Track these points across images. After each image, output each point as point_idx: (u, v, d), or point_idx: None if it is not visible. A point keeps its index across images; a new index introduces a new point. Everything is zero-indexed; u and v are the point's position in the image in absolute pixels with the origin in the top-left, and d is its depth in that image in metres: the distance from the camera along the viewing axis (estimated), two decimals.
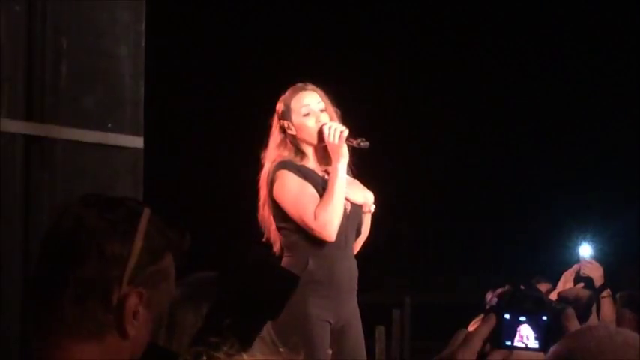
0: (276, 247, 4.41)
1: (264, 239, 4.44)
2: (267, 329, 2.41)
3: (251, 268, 2.31)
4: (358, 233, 4.56)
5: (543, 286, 5.01)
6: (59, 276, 1.74)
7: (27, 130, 3.71)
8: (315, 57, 8.22)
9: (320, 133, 4.40)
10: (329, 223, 4.29)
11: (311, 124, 4.41)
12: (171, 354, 2.00)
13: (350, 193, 4.46)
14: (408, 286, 9.99)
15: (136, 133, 3.99)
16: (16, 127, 3.68)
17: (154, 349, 1.86)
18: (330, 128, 4.34)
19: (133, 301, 1.75)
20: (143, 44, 4.05)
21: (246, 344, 2.16)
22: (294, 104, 4.44)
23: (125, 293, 1.74)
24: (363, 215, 4.56)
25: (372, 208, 4.58)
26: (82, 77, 3.89)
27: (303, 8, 9.30)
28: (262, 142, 4.50)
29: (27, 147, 3.72)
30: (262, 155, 4.48)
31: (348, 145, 4.34)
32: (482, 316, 1.90)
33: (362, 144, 4.35)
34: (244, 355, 1.45)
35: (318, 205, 4.30)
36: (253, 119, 4.64)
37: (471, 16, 9.92)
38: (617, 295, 4.77)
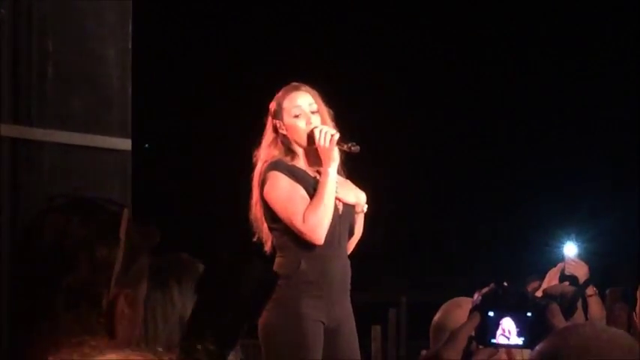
0: (268, 247, 4.40)
1: (255, 239, 4.43)
2: None
3: (230, 270, 2.29)
4: (351, 233, 4.55)
5: (533, 284, 5.00)
6: (50, 284, 1.75)
7: (13, 133, 3.69)
8: (309, 56, 8.22)
9: (310, 136, 4.39)
10: (318, 226, 4.28)
11: (301, 126, 4.40)
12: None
13: (342, 193, 4.45)
14: (405, 286, 9.99)
15: (123, 135, 3.96)
16: (3, 129, 3.67)
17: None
18: (320, 132, 4.33)
19: (120, 302, 1.77)
20: (130, 45, 4.03)
21: (229, 347, 2.16)
22: (286, 104, 4.44)
23: (114, 295, 1.76)
24: (355, 215, 4.55)
25: (365, 207, 4.57)
26: (68, 79, 3.86)
27: (295, 6, 9.29)
28: (254, 143, 4.49)
29: (13, 150, 3.70)
30: (255, 154, 4.48)
31: (339, 149, 4.34)
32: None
33: (352, 148, 4.35)
34: None
35: (308, 207, 4.29)
36: (243, 119, 4.64)
37: (459, 15, 9.94)
38: (608, 292, 4.76)
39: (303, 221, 4.27)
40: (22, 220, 3.68)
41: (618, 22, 9.46)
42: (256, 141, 4.49)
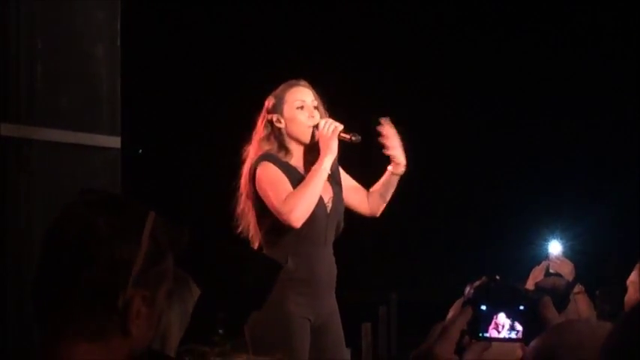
0: (255, 244, 4.38)
1: (240, 233, 4.40)
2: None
3: (232, 260, 2.31)
4: (337, 232, 4.53)
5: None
6: (68, 279, 1.78)
7: (3, 131, 3.67)
8: (300, 55, 8.20)
9: (308, 131, 4.39)
10: (297, 207, 4.22)
11: (303, 118, 4.40)
12: (165, 356, 2.03)
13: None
14: (394, 284, 9.99)
15: (113, 133, 3.95)
16: None
17: (149, 351, 1.91)
18: (325, 122, 4.34)
19: (137, 302, 1.79)
20: (119, 43, 4.01)
21: (234, 335, 2.18)
22: (288, 97, 4.43)
23: (130, 296, 1.78)
24: (392, 178, 4.53)
25: (403, 169, 4.53)
26: (57, 77, 3.85)
27: (284, 4, 9.26)
28: (243, 140, 4.47)
29: (2, 148, 3.68)
30: (245, 149, 4.46)
31: (342, 140, 4.33)
32: (457, 302, 1.89)
33: (353, 138, 4.36)
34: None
35: (293, 191, 4.27)
36: (237, 117, 4.62)
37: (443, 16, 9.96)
38: (598, 292, 4.75)
39: (284, 202, 4.22)
40: (11, 217, 3.67)
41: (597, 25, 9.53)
42: (247, 138, 4.48)
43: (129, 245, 1.78)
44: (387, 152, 4.49)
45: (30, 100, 3.77)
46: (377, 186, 4.61)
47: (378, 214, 4.65)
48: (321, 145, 4.34)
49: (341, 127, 4.34)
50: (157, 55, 8.51)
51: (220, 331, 1.87)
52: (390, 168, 4.53)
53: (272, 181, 4.30)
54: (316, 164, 4.33)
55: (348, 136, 4.35)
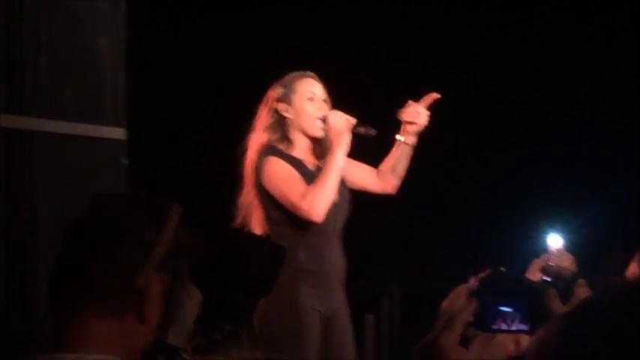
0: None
1: (237, 223, 4.38)
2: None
3: (237, 248, 2.31)
4: (343, 223, 4.52)
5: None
6: (92, 254, 1.84)
7: (7, 123, 3.67)
8: (304, 50, 8.19)
9: (315, 123, 4.36)
10: (318, 203, 4.21)
11: (312, 111, 4.36)
12: (173, 347, 2.06)
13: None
14: (397, 276, 9.99)
15: (117, 124, 3.94)
16: None
17: (157, 342, 1.93)
18: (336, 115, 4.30)
19: (155, 287, 1.85)
20: (123, 35, 4.01)
21: (247, 325, 2.20)
22: (298, 87, 4.39)
23: (149, 278, 1.84)
24: (408, 149, 4.52)
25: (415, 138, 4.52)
26: (61, 69, 3.85)
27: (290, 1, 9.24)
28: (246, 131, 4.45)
29: (7, 139, 3.68)
30: (248, 137, 4.43)
31: (355, 134, 4.31)
32: (457, 289, 1.89)
33: (369, 131, 4.32)
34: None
35: (309, 186, 4.25)
36: (241, 109, 4.60)
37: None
38: (601, 282, 4.74)
39: (303, 197, 4.21)
40: (16, 207, 3.67)
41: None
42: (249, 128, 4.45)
43: (154, 230, 1.86)
44: (407, 117, 4.43)
45: (34, 92, 3.77)
46: (387, 160, 4.57)
47: (392, 192, 4.60)
48: (333, 138, 4.29)
49: (354, 120, 4.32)
50: (162, 46, 8.49)
51: (227, 327, 1.90)
52: (401, 138, 4.49)
53: (284, 177, 4.28)
54: (330, 159, 4.28)
55: (362, 130, 4.32)
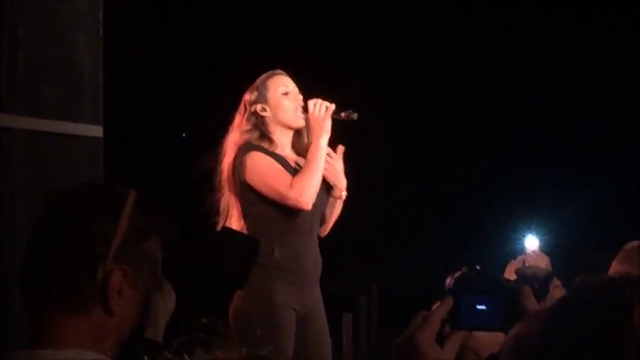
0: None
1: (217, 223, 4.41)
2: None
3: (212, 242, 2.33)
4: (322, 221, 4.57)
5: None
6: (48, 253, 1.84)
7: None
8: (285, 52, 8.19)
9: (295, 115, 4.39)
10: (306, 191, 4.26)
11: (288, 104, 4.41)
12: (154, 343, 2.06)
13: (329, 169, 4.45)
14: (375, 274, 10.03)
15: (94, 122, 3.94)
16: None
17: (138, 339, 1.96)
18: (315, 103, 4.34)
19: (116, 278, 1.83)
20: (101, 32, 4.00)
21: (222, 317, 2.21)
22: (272, 84, 4.44)
23: (109, 270, 1.82)
24: (333, 200, 4.56)
25: (344, 195, 4.57)
26: (39, 66, 3.83)
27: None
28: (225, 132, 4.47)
29: None
30: (224, 141, 4.45)
31: (336, 119, 4.33)
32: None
33: (351, 115, 4.35)
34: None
35: (296, 175, 4.29)
36: (219, 108, 4.62)
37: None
38: (576, 280, 4.78)
39: (291, 186, 4.25)
40: None
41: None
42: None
43: (106, 221, 1.84)
44: (330, 178, 4.49)
45: (11, 89, 3.76)
46: None
47: (322, 236, 4.63)
48: (314, 126, 4.34)
49: (333, 106, 4.35)
50: (140, 44, 8.48)
51: (204, 319, 1.90)
52: (335, 192, 4.54)
53: (268, 169, 4.32)
54: (312, 145, 4.34)
55: (344, 114, 4.36)
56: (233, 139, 4.43)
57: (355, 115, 4.36)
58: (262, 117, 4.44)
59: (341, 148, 4.53)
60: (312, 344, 4.45)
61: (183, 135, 8.76)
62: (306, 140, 4.47)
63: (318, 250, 4.53)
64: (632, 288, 1.36)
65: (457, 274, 1.92)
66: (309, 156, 4.33)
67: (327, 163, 4.43)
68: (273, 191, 4.28)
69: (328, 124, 4.32)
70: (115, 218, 1.85)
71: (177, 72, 8.88)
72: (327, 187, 4.53)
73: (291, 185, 4.25)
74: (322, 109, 4.33)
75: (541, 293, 2.05)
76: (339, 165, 4.52)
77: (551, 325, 1.41)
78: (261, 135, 4.42)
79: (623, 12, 8.72)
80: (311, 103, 4.38)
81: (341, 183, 4.53)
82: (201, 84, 8.62)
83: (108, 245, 1.83)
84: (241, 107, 4.48)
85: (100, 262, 1.83)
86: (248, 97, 4.47)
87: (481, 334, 2.01)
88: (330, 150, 4.44)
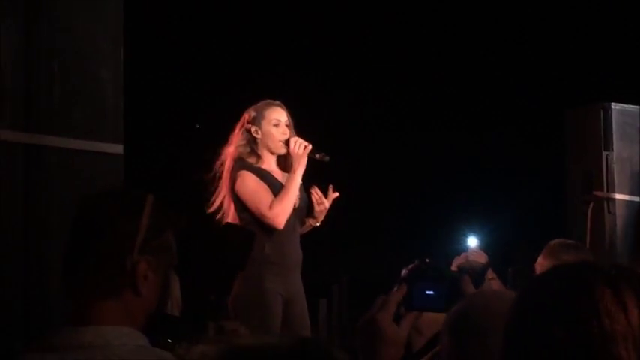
0: None
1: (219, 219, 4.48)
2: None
3: (219, 234, 2.40)
4: (302, 224, 4.67)
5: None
6: (84, 249, 1.88)
7: (26, 140, 3.69)
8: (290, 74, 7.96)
9: (281, 144, 4.52)
10: (281, 214, 4.40)
11: (276, 134, 4.53)
12: (174, 317, 2.12)
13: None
14: (346, 266, 10.00)
15: (116, 141, 3.97)
16: (17, 137, 3.67)
17: (160, 315, 2.04)
18: (295, 142, 4.46)
19: (142, 266, 1.87)
20: (122, 67, 4.05)
21: (226, 294, 2.26)
22: (267, 114, 4.55)
23: (136, 260, 1.86)
24: (308, 224, 4.66)
25: (318, 225, 4.65)
26: (70, 95, 3.87)
27: (288, 25, 8.76)
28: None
29: (26, 153, 3.70)
30: (223, 150, 4.54)
31: (311, 158, 4.44)
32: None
33: (324, 158, 4.51)
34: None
35: (275, 198, 4.41)
36: (233, 124, 4.68)
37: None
38: (510, 270, 4.85)
39: (270, 208, 4.37)
40: (33, 214, 3.66)
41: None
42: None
43: (130, 220, 1.88)
44: (317, 208, 4.57)
45: (48, 114, 3.79)
46: None
47: (301, 234, 4.72)
48: (294, 160, 4.48)
49: (310, 146, 4.47)
50: (157, 75, 8.36)
51: (212, 297, 1.97)
52: (309, 221, 4.66)
53: (254, 190, 4.44)
54: (290, 176, 4.47)
55: (318, 156, 4.49)
56: (229, 151, 4.55)
57: (327, 158, 4.51)
58: (254, 137, 4.56)
59: (333, 195, 4.61)
60: (295, 323, 4.55)
61: (197, 126, 8.62)
62: (286, 162, 4.56)
63: (299, 245, 4.64)
64: (593, 272, 1.32)
65: (411, 265, 1.97)
66: (286, 184, 4.46)
67: (325, 201, 4.54)
68: (255, 209, 4.43)
69: (304, 161, 4.45)
70: (137, 217, 1.88)
71: (192, 97, 8.71)
72: (304, 198, 4.63)
73: (269, 208, 4.37)
74: (301, 148, 4.45)
75: (477, 282, 2.10)
76: (326, 205, 4.58)
77: (521, 307, 1.36)
78: (251, 151, 4.55)
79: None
80: (292, 140, 4.51)
81: (320, 219, 4.62)
82: (223, 102, 8.35)
83: (133, 240, 1.87)
84: (241, 121, 4.59)
85: (127, 254, 1.87)
86: (247, 116, 4.59)
87: (426, 316, 2.05)
88: (321, 195, 4.52)
